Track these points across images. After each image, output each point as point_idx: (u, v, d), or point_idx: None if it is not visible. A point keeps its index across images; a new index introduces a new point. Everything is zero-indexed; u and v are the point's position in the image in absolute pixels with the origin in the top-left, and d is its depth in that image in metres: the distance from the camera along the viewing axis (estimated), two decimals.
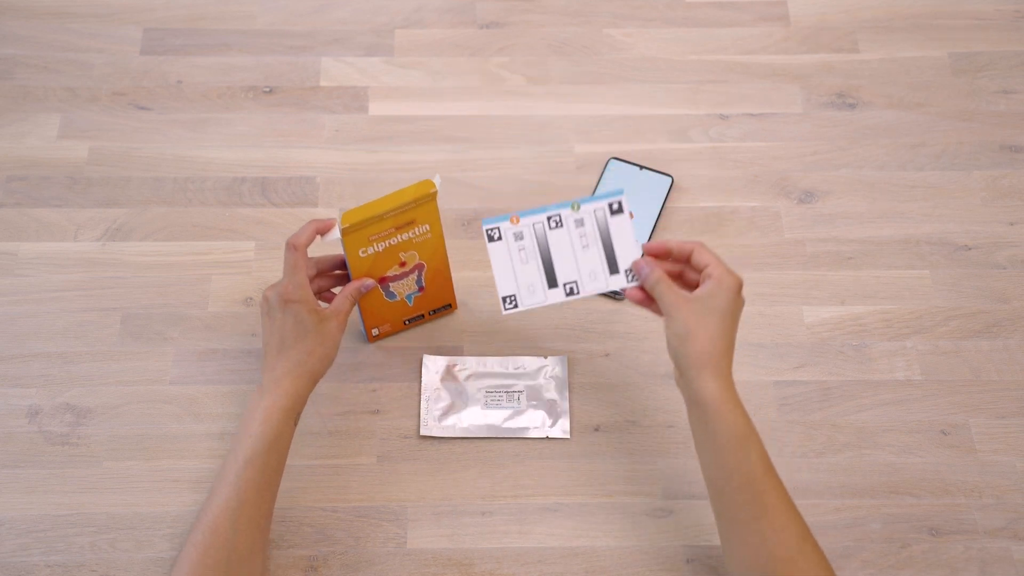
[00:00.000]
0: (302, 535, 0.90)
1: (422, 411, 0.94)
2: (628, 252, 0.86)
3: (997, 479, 0.93)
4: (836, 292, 1.02)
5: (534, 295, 0.87)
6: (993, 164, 1.10)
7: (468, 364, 0.97)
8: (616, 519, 0.91)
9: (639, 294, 0.85)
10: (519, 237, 0.87)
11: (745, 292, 1.01)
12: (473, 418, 0.95)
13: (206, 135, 1.10)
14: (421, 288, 0.96)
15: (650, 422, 0.95)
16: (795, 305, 1.01)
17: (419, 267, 0.94)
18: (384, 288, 0.94)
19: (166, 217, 1.05)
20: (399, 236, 0.90)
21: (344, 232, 0.87)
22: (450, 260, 1.03)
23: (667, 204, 1.06)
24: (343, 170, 1.08)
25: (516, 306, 0.87)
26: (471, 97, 1.13)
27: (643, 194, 1.06)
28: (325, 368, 0.87)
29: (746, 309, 1.00)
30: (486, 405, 0.95)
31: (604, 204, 0.86)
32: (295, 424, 0.85)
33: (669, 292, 0.81)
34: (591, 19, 1.19)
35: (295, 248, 0.86)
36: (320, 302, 0.90)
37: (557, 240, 0.86)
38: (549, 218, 0.86)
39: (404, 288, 0.95)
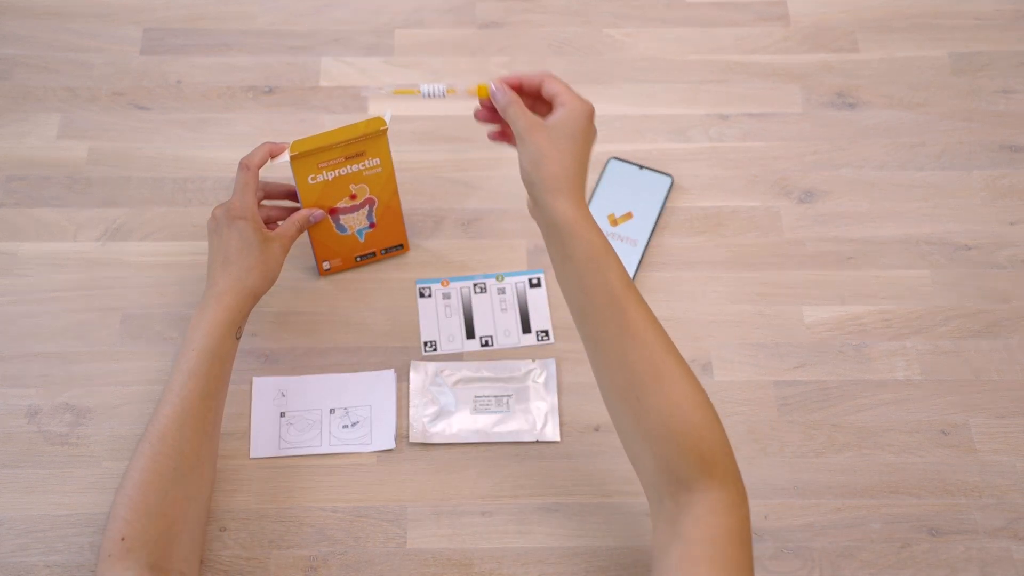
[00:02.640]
0: (302, 535, 0.90)
1: (411, 418, 0.94)
2: (541, 318, 0.99)
3: (997, 479, 0.93)
4: (836, 292, 1.02)
5: (452, 343, 0.99)
6: (993, 164, 1.10)
7: (456, 369, 0.97)
8: (616, 519, 0.91)
9: (490, 115, 0.84)
10: (447, 296, 1.01)
11: (745, 291, 1.02)
12: (462, 423, 0.94)
13: (206, 135, 1.10)
14: (372, 224, 0.99)
15: None
16: (795, 305, 1.01)
17: (370, 201, 0.97)
18: (335, 220, 0.97)
19: (166, 217, 1.05)
20: (349, 167, 0.93)
21: (293, 158, 0.90)
22: (449, 259, 1.03)
23: (667, 204, 1.06)
24: None
25: (435, 350, 0.99)
26: (471, 97, 1.13)
27: (643, 194, 1.06)
28: (265, 287, 0.90)
29: (747, 309, 1.01)
30: (475, 410, 0.95)
31: (525, 279, 1.01)
32: (237, 338, 0.88)
33: (522, 116, 0.79)
34: (591, 19, 1.19)
35: (247, 168, 0.90)
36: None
37: (479, 302, 1.00)
38: (475, 284, 1.01)
39: (355, 222, 0.98)
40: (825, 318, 1.01)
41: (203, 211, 1.05)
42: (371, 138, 0.91)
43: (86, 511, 0.90)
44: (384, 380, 0.96)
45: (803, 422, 0.95)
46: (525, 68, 1.15)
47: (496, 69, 1.15)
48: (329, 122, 1.11)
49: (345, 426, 0.94)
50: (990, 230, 1.06)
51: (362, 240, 1.00)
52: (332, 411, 0.95)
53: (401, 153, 1.09)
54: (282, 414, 0.94)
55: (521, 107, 0.80)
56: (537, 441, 0.94)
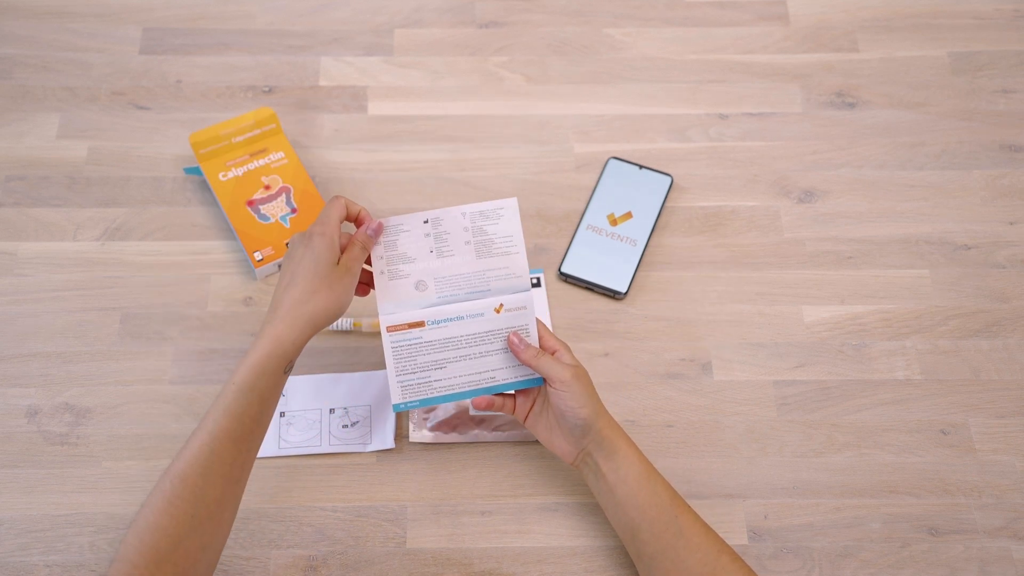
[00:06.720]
0: (302, 535, 0.90)
1: (411, 417, 0.94)
2: (541, 318, 0.96)
3: (997, 479, 0.93)
4: (836, 292, 1.02)
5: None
6: (993, 164, 1.10)
7: None
8: None
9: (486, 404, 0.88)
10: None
11: (745, 291, 1.02)
12: (462, 423, 0.94)
13: None
14: (294, 210, 1.02)
15: (650, 422, 0.95)
16: (795, 305, 1.01)
17: (285, 189, 1.02)
18: (255, 211, 1.01)
19: (166, 217, 1.05)
20: (256, 162, 1.03)
21: (201, 158, 1.02)
22: None
23: (667, 204, 1.06)
24: (342, 170, 1.08)
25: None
26: (470, 97, 1.13)
27: (643, 194, 1.06)
28: (327, 317, 0.80)
29: (746, 308, 1.01)
30: (474, 410, 0.95)
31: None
32: (286, 374, 0.80)
33: (556, 365, 0.85)
34: (591, 19, 1.19)
35: (338, 198, 0.83)
36: None
37: None
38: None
39: (276, 210, 1.02)
40: (825, 318, 1.01)
41: (203, 211, 1.05)
42: (268, 136, 1.00)
43: (86, 511, 0.90)
44: (384, 380, 0.96)
45: (802, 422, 0.95)
46: (522, 68, 1.15)
47: (495, 69, 1.15)
48: (329, 122, 1.11)
49: (345, 426, 0.94)
50: (989, 230, 1.06)
51: (288, 226, 1.02)
52: (332, 411, 0.95)
53: (401, 153, 1.10)
54: (282, 414, 0.94)
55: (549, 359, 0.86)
56: (537, 441, 0.94)
